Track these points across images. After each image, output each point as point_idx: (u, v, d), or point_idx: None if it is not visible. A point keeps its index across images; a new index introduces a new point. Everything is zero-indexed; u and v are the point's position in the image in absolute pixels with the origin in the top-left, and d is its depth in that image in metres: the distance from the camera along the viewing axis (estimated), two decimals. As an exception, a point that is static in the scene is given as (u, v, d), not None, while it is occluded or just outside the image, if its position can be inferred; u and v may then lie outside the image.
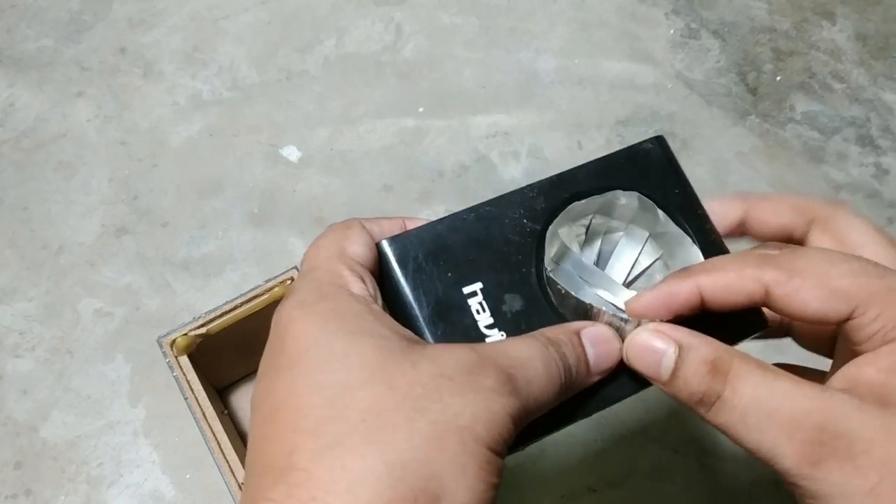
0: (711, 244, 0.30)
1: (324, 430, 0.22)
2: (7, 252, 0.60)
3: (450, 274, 0.28)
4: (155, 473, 0.53)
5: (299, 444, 0.22)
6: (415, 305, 0.27)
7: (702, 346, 0.25)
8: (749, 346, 0.28)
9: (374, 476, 0.21)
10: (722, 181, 0.65)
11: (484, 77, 0.70)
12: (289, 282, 0.47)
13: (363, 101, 0.68)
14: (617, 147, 0.66)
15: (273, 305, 0.47)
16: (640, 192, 0.30)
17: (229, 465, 0.43)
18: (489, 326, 0.28)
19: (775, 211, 0.29)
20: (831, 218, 0.28)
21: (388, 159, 0.65)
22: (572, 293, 0.28)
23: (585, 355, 0.27)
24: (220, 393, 0.54)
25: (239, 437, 0.51)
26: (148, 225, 0.61)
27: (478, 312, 0.28)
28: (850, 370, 0.23)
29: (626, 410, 0.56)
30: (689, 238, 0.30)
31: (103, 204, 0.62)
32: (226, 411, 0.52)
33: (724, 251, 0.30)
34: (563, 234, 0.30)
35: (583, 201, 0.30)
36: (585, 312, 0.28)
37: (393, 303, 0.28)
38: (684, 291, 0.26)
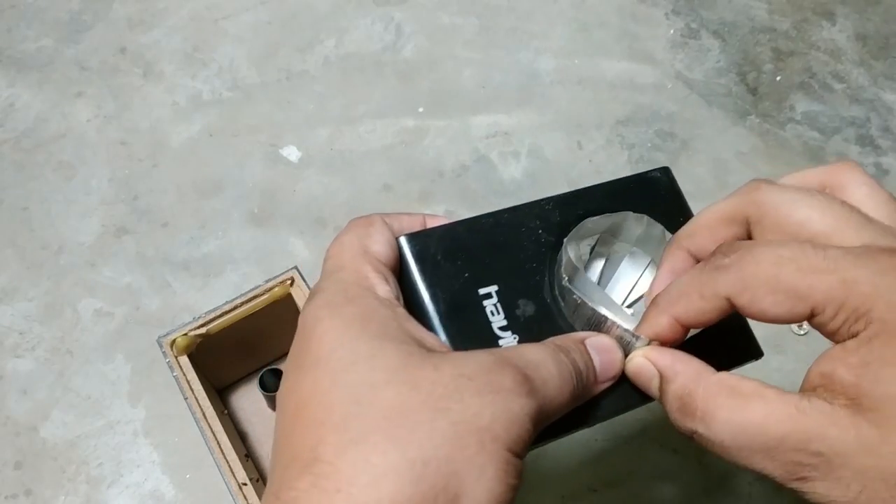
0: None
1: (348, 426, 0.22)
2: (7, 252, 0.60)
3: (467, 274, 0.29)
4: (155, 473, 0.53)
5: (324, 438, 0.22)
6: (430, 302, 0.28)
7: (676, 379, 0.26)
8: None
9: (396, 472, 0.21)
10: (722, 181, 0.65)
11: (484, 77, 0.70)
12: (289, 282, 0.47)
13: (363, 101, 0.68)
14: (617, 147, 0.66)
15: (273, 305, 0.47)
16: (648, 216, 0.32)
17: (229, 465, 0.43)
18: (503, 328, 0.28)
19: (712, 237, 0.28)
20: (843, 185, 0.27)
21: (388, 159, 0.65)
22: (589, 304, 0.28)
23: (592, 363, 0.27)
24: (220, 393, 0.54)
25: (239, 437, 0.51)
26: (148, 225, 0.61)
27: (492, 314, 0.28)
28: (824, 365, 0.23)
29: (626, 410, 0.56)
30: None
31: (103, 204, 0.62)
32: (226, 411, 0.52)
33: None
34: (571, 250, 0.31)
35: (595, 218, 0.31)
36: (598, 324, 0.29)
37: (409, 297, 0.28)
38: (665, 326, 0.27)
